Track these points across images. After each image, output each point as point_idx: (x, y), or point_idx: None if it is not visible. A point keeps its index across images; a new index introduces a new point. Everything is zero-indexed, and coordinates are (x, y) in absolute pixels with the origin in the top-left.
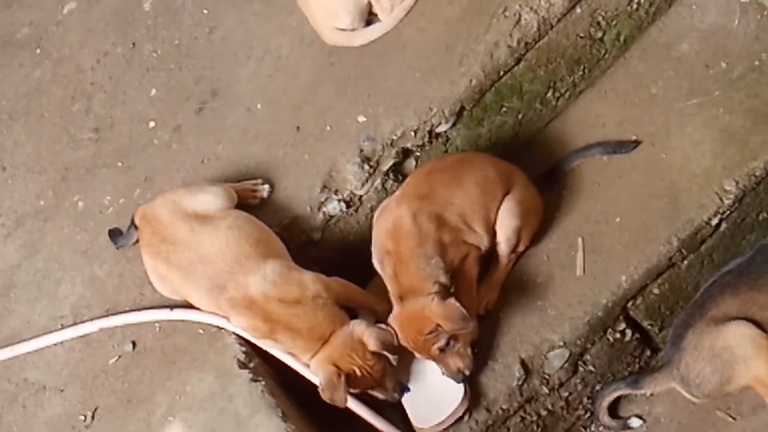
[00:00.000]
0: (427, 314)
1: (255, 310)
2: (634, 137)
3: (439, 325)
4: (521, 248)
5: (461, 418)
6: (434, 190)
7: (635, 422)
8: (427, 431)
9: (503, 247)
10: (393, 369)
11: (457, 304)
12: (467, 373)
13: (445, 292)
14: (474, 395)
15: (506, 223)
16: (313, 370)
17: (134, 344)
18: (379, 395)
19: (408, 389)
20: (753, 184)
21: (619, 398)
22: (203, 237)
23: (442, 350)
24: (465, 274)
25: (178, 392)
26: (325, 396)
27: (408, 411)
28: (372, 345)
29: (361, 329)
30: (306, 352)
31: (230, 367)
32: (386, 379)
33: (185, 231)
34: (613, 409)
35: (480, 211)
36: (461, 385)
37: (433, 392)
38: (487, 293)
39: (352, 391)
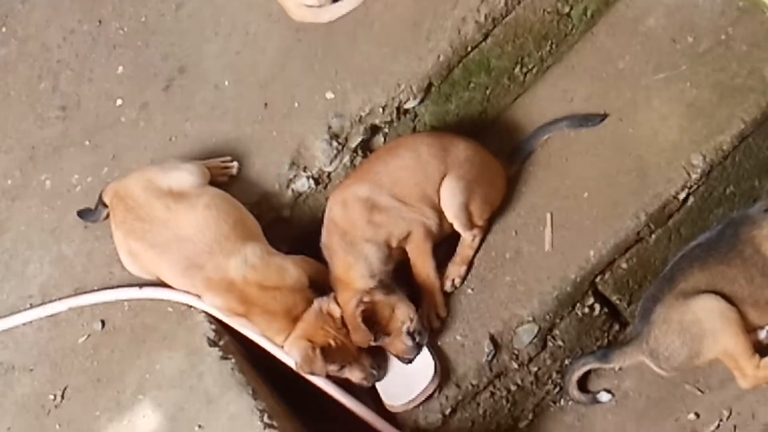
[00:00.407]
0: (347, 312)
1: (233, 291)
2: (602, 111)
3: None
4: (479, 222)
5: (432, 395)
6: (366, 172)
7: (604, 396)
8: (398, 408)
9: (456, 224)
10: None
11: (361, 325)
12: (411, 354)
13: (374, 290)
14: (444, 371)
15: (449, 202)
16: (288, 350)
17: (103, 323)
18: (357, 374)
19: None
20: (720, 158)
21: (588, 372)
22: (180, 216)
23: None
24: (416, 252)
25: (147, 371)
26: (304, 370)
27: (379, 389)
28: (337, 312)
29: (327, 302)
30: (280, 333)
31: (200, 345)
32: (362, 354)
33: (161, 209)
34: (583, 384)
35: (415, 189)
36: (432, 362)
37: (404, 370)
38: (454, 270)
39: (330, 367)
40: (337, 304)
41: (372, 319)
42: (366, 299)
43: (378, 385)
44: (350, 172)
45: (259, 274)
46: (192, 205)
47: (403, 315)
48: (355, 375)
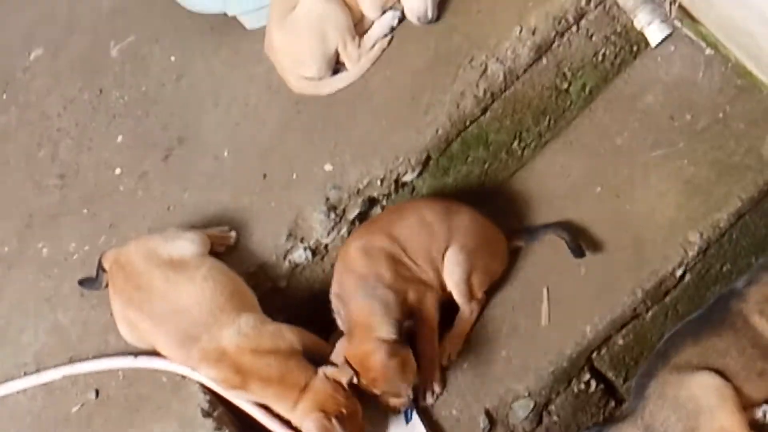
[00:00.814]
0: (371, 363)
1: (226, 361)
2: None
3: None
4: (478, 295)
5: None
6: (380, 228)
7: None
8: None
9: (456, 295)
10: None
11: (395, 366)
12: (406, 407)
13: (395, 343)
14: None
15: (451, 273)
16: (299, 421)
17: (97, 392)
18: None
19: None
20: (717, 236)
21: None
22: (179, 288)
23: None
24: (425, 318)
25: None
26: None
27: None
28: (346, 377)
29: (332, 370)
30: (279, 400)
31: (194, 415)
32: (364, 423)
33: (161, 280)
34: None
35: (422, 251)
36: None
37: None
38: (451, 344)
39: None
40: (349, 364)
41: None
42: (396, 351)
43: None
44: (356, 229)
45: (252, 342)
46: (190, 277)
47: (413, 370)
48: None
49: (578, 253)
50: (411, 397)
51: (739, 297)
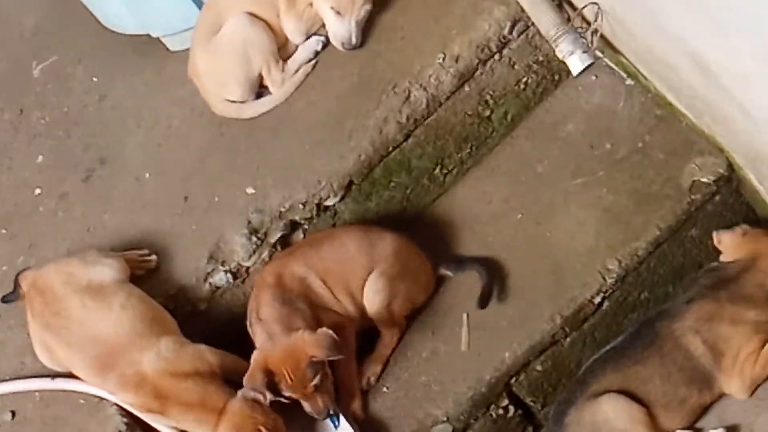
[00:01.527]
0: (300, 345)
1: (146, 386)
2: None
3: (312, 356)
4: (399, 321)
5: None
6: (301, 254)
7: None
8: None
9: (377, 321)
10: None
11: (328, 331)
12: (331, 410)
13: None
14: None
15: (372, 300)
16: None
17: (13, 414)
18: None
19: None
20: (635, 264)
21: None
22: (96, 315)
23: (317, 387)
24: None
25: None
26: None
27: None
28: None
29: (249, 390)
30: (199, 425)
31: None
32: None
33: (78, 307)
34: None
35: (340, 281)
36: None
37: None
38: (371, 368)
39: None
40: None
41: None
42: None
43: None
44: (275, 255)
45: (171, 365)
46: (108, 304)
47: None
48: None
49: (483, 303)
50: (321, 414)
51: (673, 317)
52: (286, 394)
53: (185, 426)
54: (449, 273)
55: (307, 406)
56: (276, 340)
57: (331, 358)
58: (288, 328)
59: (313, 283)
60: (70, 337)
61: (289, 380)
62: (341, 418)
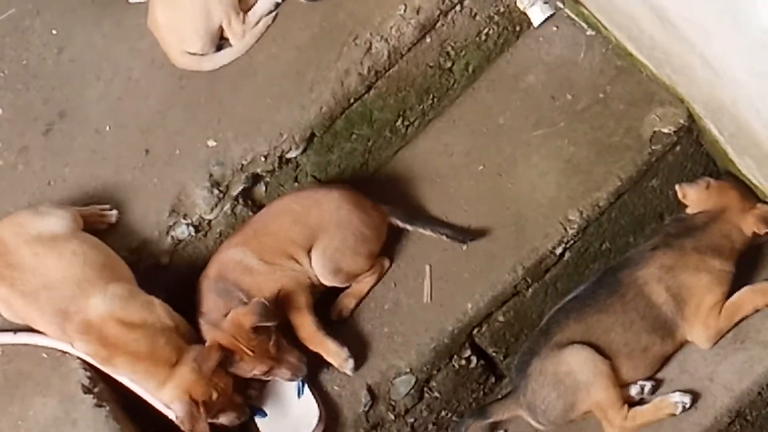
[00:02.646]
0: (238, 319)
1: (93, 333)
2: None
3: (251, 325)
4: (361, 274)
5: None
6: (242, 234)
7: None
8: None
9: (337, 284)
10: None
11: (259, 300)
12: (303, 372)
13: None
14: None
15: (320, 272)
16: (167, 401)
17: None
18: (232, 417)
19: (264, 414)
20: (596, 215)
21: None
22: (47, 262)
23: (278, 348)
24: (288, 307)
25: (20, 417)
26: (186, 428)
27: None
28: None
29: (201, 350)
30: (148, 378)
31: (74, 392)
32: (235, 397)
33: (29, 256)
34: None
35: (280, 251)
36: (317, 409)
37: (289, 417)
38: (344, 300)
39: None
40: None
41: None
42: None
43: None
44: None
45: (119, 312)
46: (60, 253)
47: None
48: (230, 418)
49: (462, 239)
50: (301, 371)
51: (636, 265)
52: (257, 369)
53: (135, 378)
54: (399, 224)
55: (283, 372)
56: (219, 326)
57: (266, 323)
58: (227, 314)
59: (250, 263)
60: (24, 288)
61: (249, 353)
62: (305, 387)
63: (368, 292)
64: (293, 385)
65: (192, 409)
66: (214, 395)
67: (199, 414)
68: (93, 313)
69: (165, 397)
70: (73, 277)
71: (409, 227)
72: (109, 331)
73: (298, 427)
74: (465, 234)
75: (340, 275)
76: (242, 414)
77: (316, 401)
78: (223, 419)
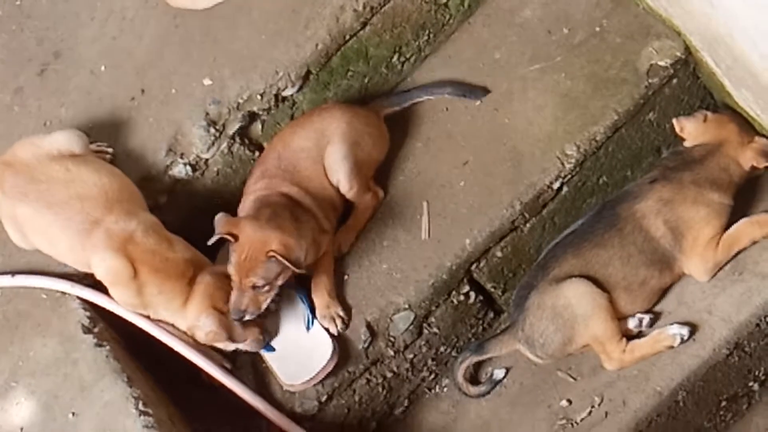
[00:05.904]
0: (272, 237)
1: (128, 250)
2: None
3: (270, 252)
4: (368, 185)
5: (331, 372)
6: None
7: (499, 374)
8: (298, 387)
9: (346, 192)
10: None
11: (303, 243)
12: (260, 339)
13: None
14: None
15: (335, 171)
16: (194, 318)
17: None
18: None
19: (273, 348)
20: (593, 149)
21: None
22: (83, 176)
23: (255, 289)
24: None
25: (21, 357)
26: (221, 339)
27: (276, 369)
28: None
29: (220, 267)
30: (174, 297)
31: (74, 332)
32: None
33: (60, 170)
34: (472, 377)
35: (314, 177)
36: (330, 341)
37: (301, 349)
38: (343, 236)
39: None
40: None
41: None
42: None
43: (275, 366)
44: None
45: (152, 239)
46: (96, 169)
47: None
48: (254, 334)
49: (476, 94)
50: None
51: (634, 198)
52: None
53: (159, 299)
54: (396, 108)
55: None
56: (260, 217)
57: (290, 267)
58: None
59: (296, 195)
60: (53, 198)
61: (240, 257)
62: (315, 320)
63: (365, 224)
64: (301, 319)
65: (223, 320)
66: None
67: (230, 322)
68: (134, 228)
69: (191, 315)
70: (110, 192)
71: (408, 103)
72: (140, 249)
73: (311, 361)
74: (469, 89)
75: (352, 176)
76: (263, 333)
77: (328, 333)
78: (249, 338)
